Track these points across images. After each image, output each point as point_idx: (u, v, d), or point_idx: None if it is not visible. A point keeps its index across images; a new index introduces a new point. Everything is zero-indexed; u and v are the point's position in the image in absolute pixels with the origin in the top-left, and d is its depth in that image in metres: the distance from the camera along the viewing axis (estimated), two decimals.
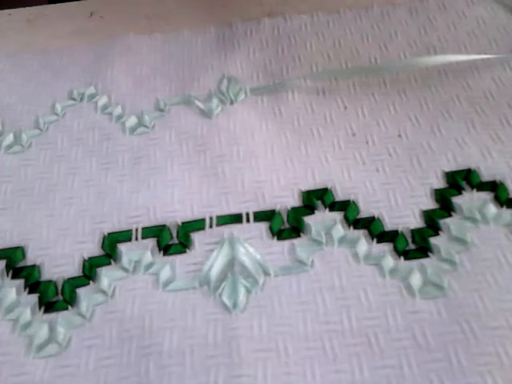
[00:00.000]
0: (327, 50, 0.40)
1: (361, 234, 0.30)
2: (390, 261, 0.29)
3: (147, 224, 0.31)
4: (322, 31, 0.41)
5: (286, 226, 0.31)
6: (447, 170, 0.32)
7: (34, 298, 0.29)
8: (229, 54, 0.40)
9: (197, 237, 0.30)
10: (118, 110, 0.37)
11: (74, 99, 0.38)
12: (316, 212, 0.31)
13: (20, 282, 0.29)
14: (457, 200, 0.31)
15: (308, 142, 0.34)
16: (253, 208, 0.31)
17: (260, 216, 0.31)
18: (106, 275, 0.29)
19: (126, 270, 0.29)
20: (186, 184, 0.33)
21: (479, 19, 0.40)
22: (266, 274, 0.29)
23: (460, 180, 0.31)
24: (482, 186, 0.31)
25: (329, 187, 0.32)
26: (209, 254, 0.30)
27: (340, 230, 0.30)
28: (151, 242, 0.30)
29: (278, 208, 0.31)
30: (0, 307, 0.28)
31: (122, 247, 0.30)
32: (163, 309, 0.28)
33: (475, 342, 0.25)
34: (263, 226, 0.31)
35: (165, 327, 0.27)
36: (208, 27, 0.42)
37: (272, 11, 0.43)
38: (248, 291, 0.28)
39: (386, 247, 0.29)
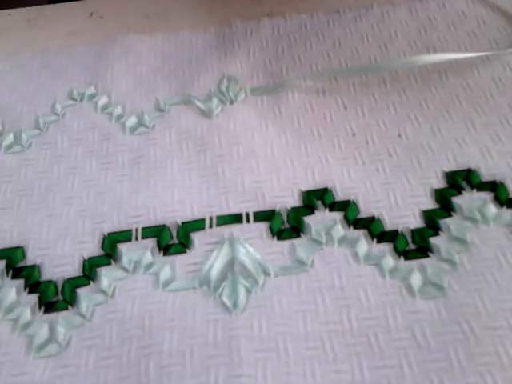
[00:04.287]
0: (327, 50, 0.40)
1: (361, 234, 0.30)
2: (389, 261, 0.29)
3: (147, 224, 0.31)
4: (322, 31, 0.41)
5: (286, 225, 0.31)
6: (447, 169, 0.32)
7: (34, 298, 0.29)
8: (229, 53, 0.40)
9: (197, 237, 0.30)
10: (118, 110, 0.37)
11: (73, 99, 0.38)
12: (316, 212, 0.31)
13: (20, 282, 0.29)
14: (457, 200, 0.31)
15: (308, 142, 0.34)
16: (253, 208, 0.31)
17: (260, 216, 0.31)
18: (106, 275, 0.29)
19: (126, 269, 0.29)
20: (186, 184, 0.33)
21: (479, 19, 0.40)
22: (266, 274, 0.29)
23: (460, 180, 0.31)
24: (481, 186, 0.31)
25: (329, 187, 0.32)
26: (209, 254, 0.30)
27: (340, 230, 0.30)
28: (151, 242, 0.30)
29: (278, 208, 0.31)
30: (0, 307, 0.28)
31: (122, 247, 0.30)
32: (163, 309, 0.28)
33: (475, 342, 0.25)
34: (263, 226, 0.31)
35: (165, 327, 0.27)
36: (208, 27, 0.42)
37: (272, 11, 0.43)
38: (248, 291, 0.28)
39: (386, 247, 0.29)
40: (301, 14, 0.42)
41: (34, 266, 0.30)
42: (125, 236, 0.31)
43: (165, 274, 0.29)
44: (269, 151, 0.34)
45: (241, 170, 0.33)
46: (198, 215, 0.31)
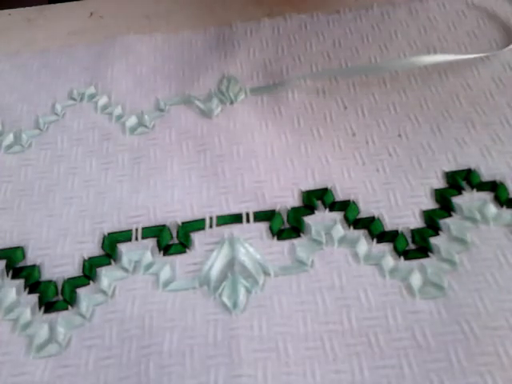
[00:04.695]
0: (327, 50, 0.40)
1: (361, 234, 0.30)
2: (389, 261, 0.29)
3: (147, 224, 0.31)
4: (322, 31, 0.41)
5: (286, 225, 0.31)
6: (447, 169, 0.32)
7: (34, 298, 0.29)
8: (229, 53, 0.40)
9: (197, 237, 0.30)
10: (118, 110, 0.37)
11: (74, 99, 0.38)
12: (316, 212, 0.31)
13: (20, 282, 0.29)
14: (457, 200, 0.31)
15: (308, 142, 0.34)
16: (253, 208, 0.31)
17: (260, 216, 0.31)
18: (106, 275, 0.29)
19: (126, 269, 0.29)
20: (185, 184, 0.33)
21: (479, 19, 0.40)
22: (266, 274, 0.29)
23: (460, 180, 0.31)
24: (481, 186, 0.31)
25: (329, 187, 0.32)
26: (209, 254, 0.30)
27: (340, 230, 0.30)
28: (151, 242, 0.30)
29: (278, 208, 0.31)
30: (0, 307, 0.28)
31: (122, 247, 0.30)
32: (163, 309, 0.28)
33: (475, 342, 0.25)
34: (263, 226, 0.31)
35: (165, 327, 0.27)
36: (208, 27, 0.42)
37: (272, 11, 0.43)
38: (248, 291, 0.28)
39: (386, 247, 0.29)
40: (301, 14, 0.42)
41: (33, 266, 0.30)
42: (125, 236, 0.31)
43: (165, 274, 0.29)
44: (269, 151, 0.34)
45: (241, 170, 0.33)
46: (198, 215, 0.31)
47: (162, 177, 0.33)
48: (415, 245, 0.29)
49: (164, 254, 0.30)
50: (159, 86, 0.39)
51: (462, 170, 0.32)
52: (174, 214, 0.31)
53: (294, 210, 0.31)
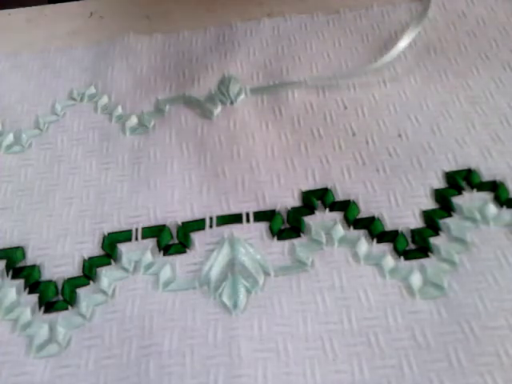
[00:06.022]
0: (327, 50, 0.40)
1: (361, 233, 0.30)
2: (390, 261, 0.29)
3: (147, 224, 0.31)
4: (322, 31, 0.41)
5: (286, 225, 0.31)
6: (447, 169, 0.32)
7: (34, 298, 0.29)
8: (229, 54, 0.40)
9: (197, 237, 0.30)
10: (118, 110, 0.37)
11: (74, 99, 0.38)
12: (316, 212, 0.31)
13: (20, 282, 0.29)
14: (457, 200, 0.31)
15: (308, 142, 0.34)
16: (253, 208, 0.31)
17: (260, 216, 0.31)
18: (106, 275, 0.29)
19: (126, 269, 0.29)
20: (186, 184, 0.33)
21: (479, 19, 0.40)
22: (266, 274, 0.29)
23: (460, 180, 0.31)
24: (481, 186, 0.31)
25: (329, 187, 0.32)
26: (209, 254, 0.30)
27: (340, 230, 0.30)
28: (151, 242, 0.30)
29: (278, 208, 0.31)
30: (0, 307, 0.28)
31: (122, 247, 0.30)
32: (163, 309, 0.28)
33: (475, 342, 0.25)
34: (263, 226, 0.31)
35: (165, 327, 0.27)
36: (208, 27, 0.42)
37: (272, 11, 0.43)
38: (248, 291, 0.28)
39: (386, 247, 0.29)
40: (301, 14, 0.42)
41: (33, 266, 0.30)
42: (125, 236, 0.31)
43: (165, 273, 0.29)
44: (269, 151, 0.34)
45: (241, 170, 0.33)
46: (198, 215, 0.31)
47: (162, 177, 0.33)
48: (415, 245, 0.29)
49: (164, 254, 0.30)
50: (159, 86, 0.39)
51: (462, 170, 0.32)
52: (174, 214, 0.31)
53: (294, 210, 0.31)
